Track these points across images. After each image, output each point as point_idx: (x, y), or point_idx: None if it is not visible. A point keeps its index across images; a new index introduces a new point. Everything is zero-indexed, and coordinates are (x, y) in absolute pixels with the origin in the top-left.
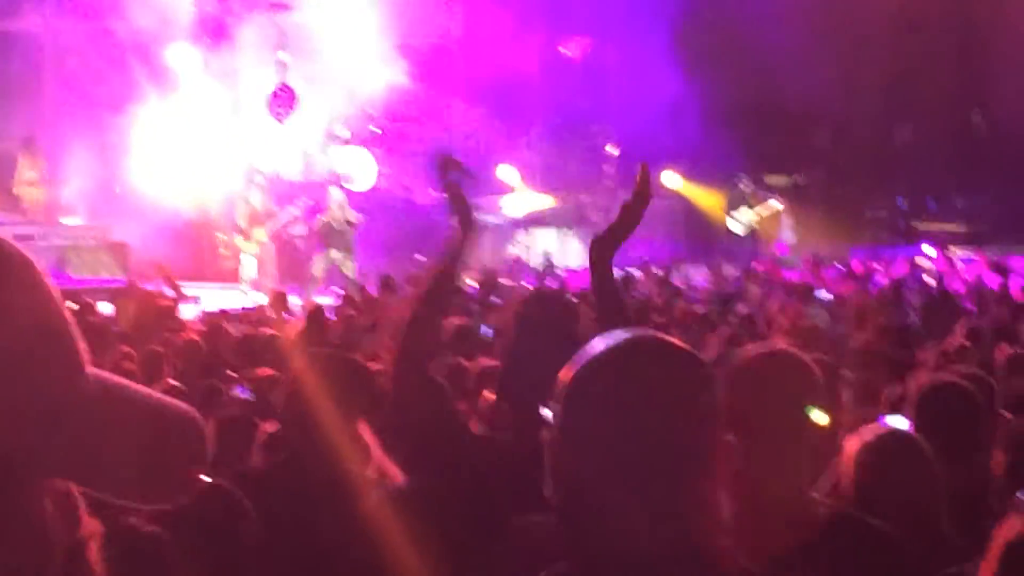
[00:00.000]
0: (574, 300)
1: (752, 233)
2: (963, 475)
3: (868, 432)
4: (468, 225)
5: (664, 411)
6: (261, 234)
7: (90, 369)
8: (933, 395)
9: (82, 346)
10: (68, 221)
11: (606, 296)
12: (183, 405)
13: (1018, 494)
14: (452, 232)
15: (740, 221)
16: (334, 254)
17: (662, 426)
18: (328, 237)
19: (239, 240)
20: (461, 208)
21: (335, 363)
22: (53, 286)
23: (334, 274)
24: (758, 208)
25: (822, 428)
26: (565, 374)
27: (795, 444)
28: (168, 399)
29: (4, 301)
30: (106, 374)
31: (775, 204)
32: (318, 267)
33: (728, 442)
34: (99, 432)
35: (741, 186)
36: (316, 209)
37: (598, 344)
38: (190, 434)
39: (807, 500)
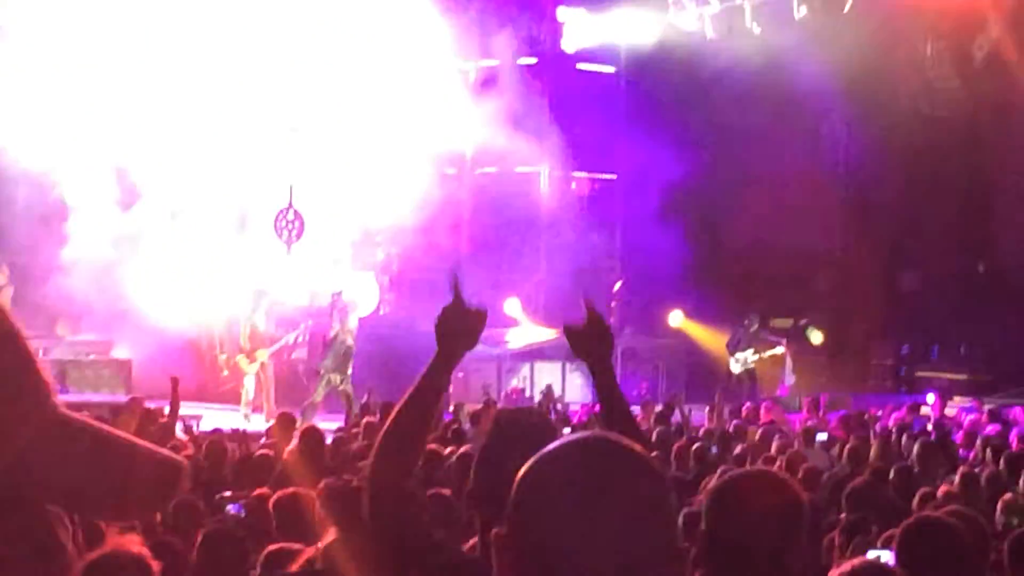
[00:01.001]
0: (550, 417)
1: (751, 374)
2: None
3: (848, 564)
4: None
5: (612, 510)
6: (263, 355)
7: (56, 401)
8: (917, 531)
9: (47, 378)
10: (63, 332)
11: (611, 400)
12: (167, 452)
13: None
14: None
15: (739, 362)
16: (333, 377)
17: (609, 525)
18: (330, 358)
19: (241, 361)
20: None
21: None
22: (17, 324)
23: (333, 397)
24: (761, 350)
25: (805, 554)
26: (520, 472)
27: (777, 569)
28: (150, 445)
29: None
30: (71, 413)
31: (779, 349)
32: (319, 391)
33: (683, 548)
34: (66, 454)
35: (747, 326)
36: (319, 331)
37: (552, 444)
38: (166, 466)
39: None
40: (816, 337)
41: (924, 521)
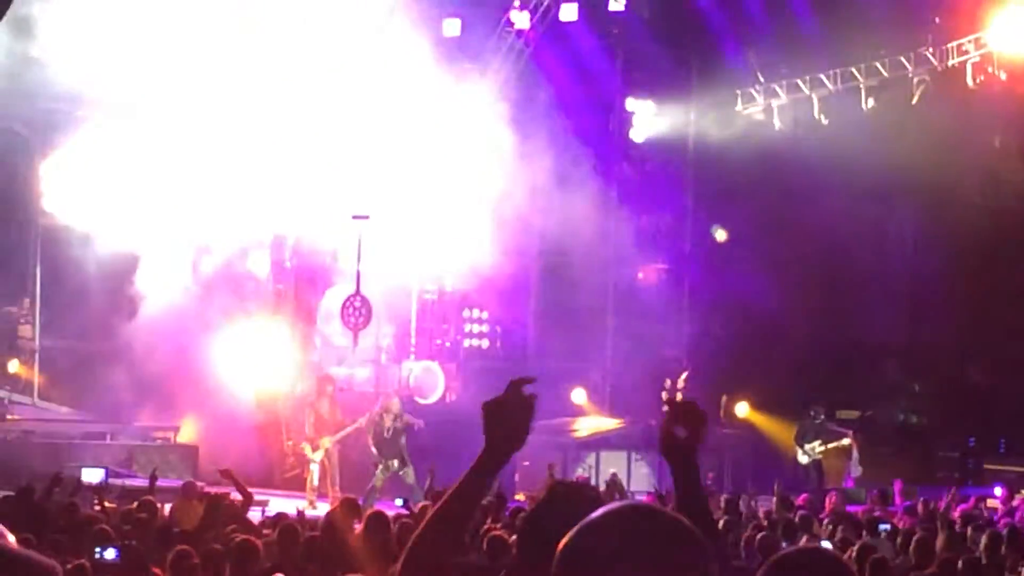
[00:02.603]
0: (599, 490)
1: (817, 465)
2: None
3: None
4: (500, 456)
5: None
6: (327, 443)
7: None
8: None
9: None
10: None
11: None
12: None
13: None
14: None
15: (807, 453)
16: (392, 463)
17: None
18: (380, 446)
19: (306, 448)
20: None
21: None
22: None
23: (397, 483)
24: (828, 441)
25: None
26: (565, 538)
27: None
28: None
29: None
30: None
31: (845, 440)
32: (378, 477)
33: None
34: None
35: (814, 416)
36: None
37: (598, 511)
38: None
39: None
40: (720, 235)
41: None
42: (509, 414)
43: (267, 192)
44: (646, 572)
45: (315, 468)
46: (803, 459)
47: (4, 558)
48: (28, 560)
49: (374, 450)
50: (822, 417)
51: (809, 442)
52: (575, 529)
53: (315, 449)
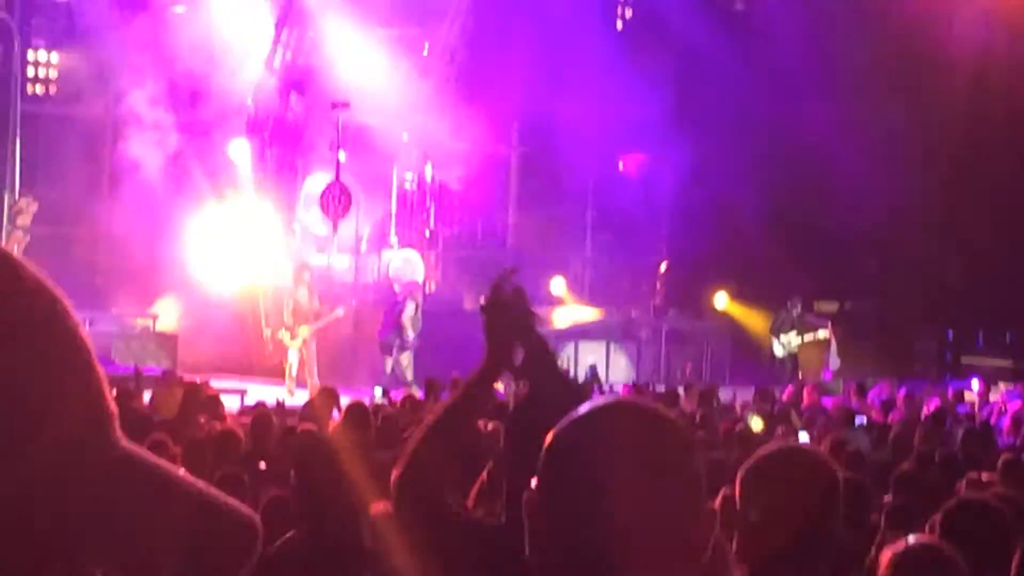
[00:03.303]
0: (582, 384)
1: (793, 357)
2: None
3: (901, 543)
4: (499, 364)
5: (640, 472)
6: (305, 331)
7: (123, 438)
8: (958, 512)
9: (114, 409)
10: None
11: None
12: (238, 504)
13: None
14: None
15: (783, 345)
16: (403, 358)
17: (639, 487)
18: (402, 331)
19: (284, 336)
20: (499, 345)
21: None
22: (83, 331)
23: (395, 375)
24: (804, 333)
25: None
26: (549, 436)
27: (811, 547)
28: (221, 494)
29: (31, 343)
30: (143, 451)
31: (823, 333)
32: (387, 366)
33: (711, 509)
34: (131, 509)
35: (790, 309)
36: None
37: (581, 408)
38: (241, 531)
39: None
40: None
41: (966, 502)
42: (504, 313)
43: (249, 76)
44: (631, 463)
45: (294, 357)
46: (778, 351)
47: (205, 505)
48: (230, 510)
49: (410, 332)
50: (799, 309)
51: (785, 333)
52: (560, 425)
53: (293, 337)
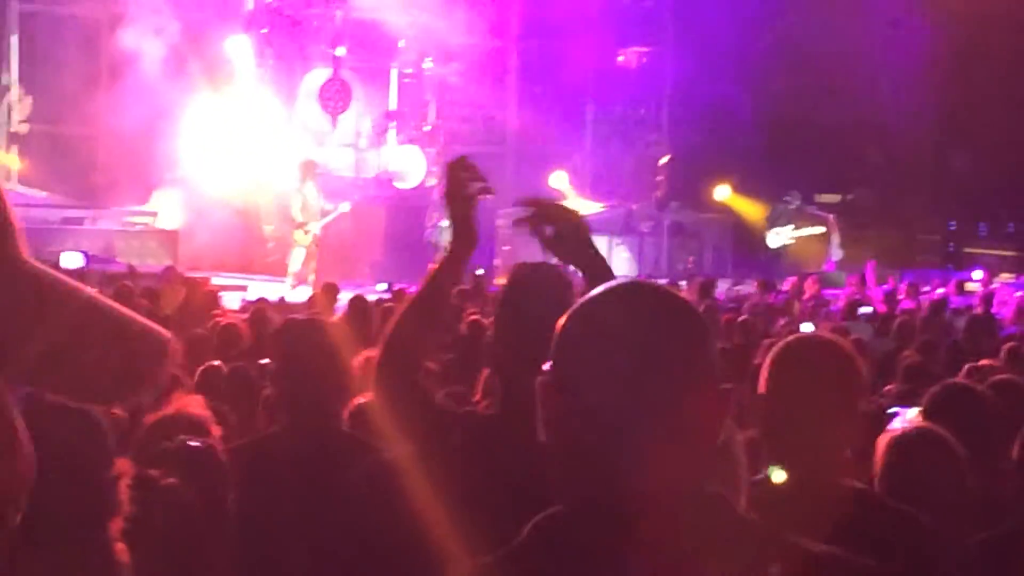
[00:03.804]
0: (568, 270)
1: (788, 249)
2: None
3: (898, 429)
4: (468, 242)
5: (655, 354)
6: (315, 227)
7: (30, 259)
8: (941, 396)
9: (17, 224)
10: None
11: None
12: (148, 321)
13: None
14: (450, 247)
15: (778, 237)
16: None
17: (653, 366)
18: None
19: (297, 234)
20: (464, 223)
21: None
22: None
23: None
24: (801, 226)
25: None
26: (562, 319)
27: (831, 427)
28: (129, 311)
29: None
30: (51, 270)
31: (819, 228)
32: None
33: (727, 391)
34: (40, 323)
35: (788, 202)
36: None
37: (595, 290)
38: (153, 344)
39: (839, 484)
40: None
41: (949, 387)
42: (460, 191)
43: None
44: (646, 343)
45: (299, 253)
46: (773, 242)
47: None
48: (140, 325)
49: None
50: (797, 203)
51: (781, 226)
52: (574, 307)
53: (305, 234)
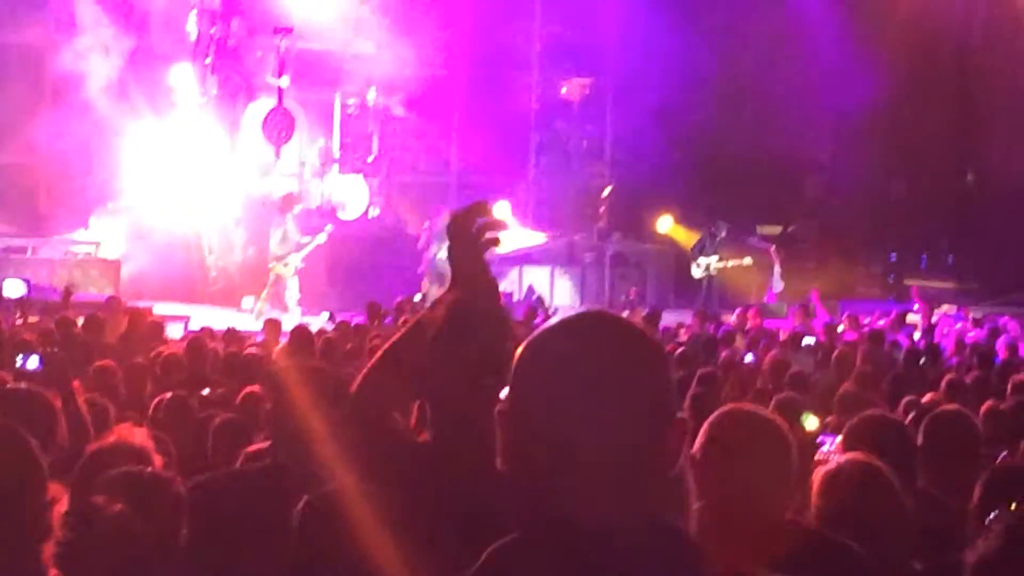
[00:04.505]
0: (503, 305)
1: (710, 280)
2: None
3: (833, 463)
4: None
5: (611, 382)
6: (295, 260)
7: None
8: (861, 427)
9: None
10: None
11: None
12: None
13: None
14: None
15: (700, 267)
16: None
17: (609, 397)
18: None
19: (277, 267)
20: (465, 273)
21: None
22: None
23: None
24: (727, 258)
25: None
26: (520, 348)
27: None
28: None
29: None
30: None
31: (748, 260)
32: None
33: (682, 420)
34: None
35: (715, 233)
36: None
37: (553, 319)
38: None
39: (780, 521)
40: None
41: (870, 417)
42: (469, 241)
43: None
44: (602, 373)
45: (293, 284)
46: (697, 272)
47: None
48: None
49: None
50: (723, 233)
51: (706, 256)
52: (532, 337)
53: (285, 266)
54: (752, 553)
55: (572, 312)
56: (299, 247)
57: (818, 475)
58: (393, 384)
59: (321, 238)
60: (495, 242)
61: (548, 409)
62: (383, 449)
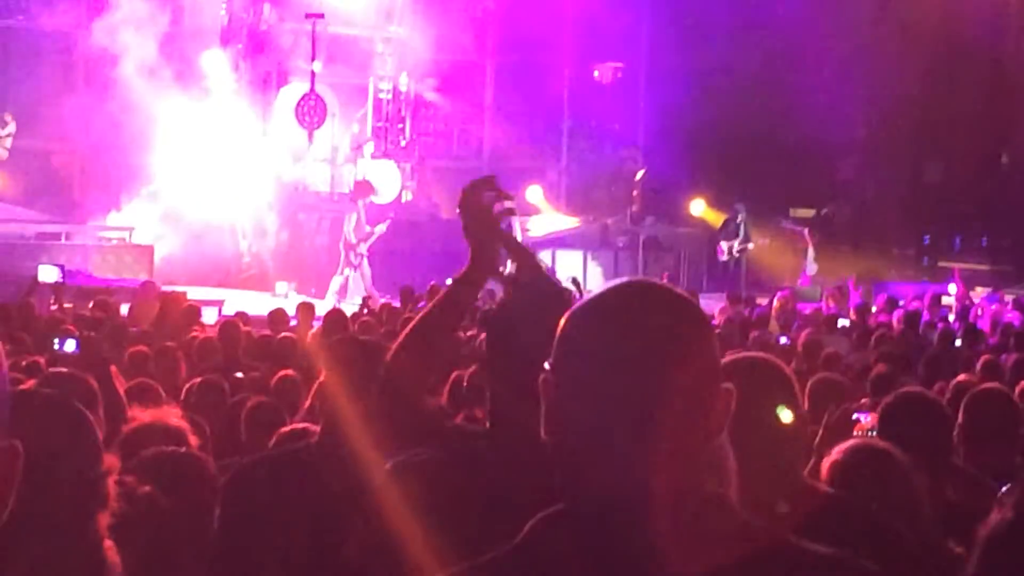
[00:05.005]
0: (566, 289)
1: (737, 262)
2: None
3: (845, 444)
4: (484, 267)
5: (655, 353)
6: (363, 248)
7: None
8: (896, 405)
9: None
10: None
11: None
12: None
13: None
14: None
15: (725, 251)
16: None
17: (653, 368)
18: None
19: (351, 256)
20: (481, 247)
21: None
22: None
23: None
24: (749, 241)
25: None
26: (563, 318)
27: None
28: None
29: None
30: None
31: (751, 245)
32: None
33: (727, 389)
34: None
35: (736, 215)
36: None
37: (598, 288)
38: None
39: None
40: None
41: (904, 395)
42: (482, 215)
43: None
44: (646, 339)
45: (366, 267)
46: (723, 256)
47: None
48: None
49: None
50: (741, 217)
51: (728, 239)
52: (575, 306)
53: (356, 255)
54: (777, 518)
55: (615, 281)
56: (368, 235)
57: (825, 465)
58: (422, 362)
59: (381, 228)
60: (510, 212)
61: (593, 376)
62: (424, 433)
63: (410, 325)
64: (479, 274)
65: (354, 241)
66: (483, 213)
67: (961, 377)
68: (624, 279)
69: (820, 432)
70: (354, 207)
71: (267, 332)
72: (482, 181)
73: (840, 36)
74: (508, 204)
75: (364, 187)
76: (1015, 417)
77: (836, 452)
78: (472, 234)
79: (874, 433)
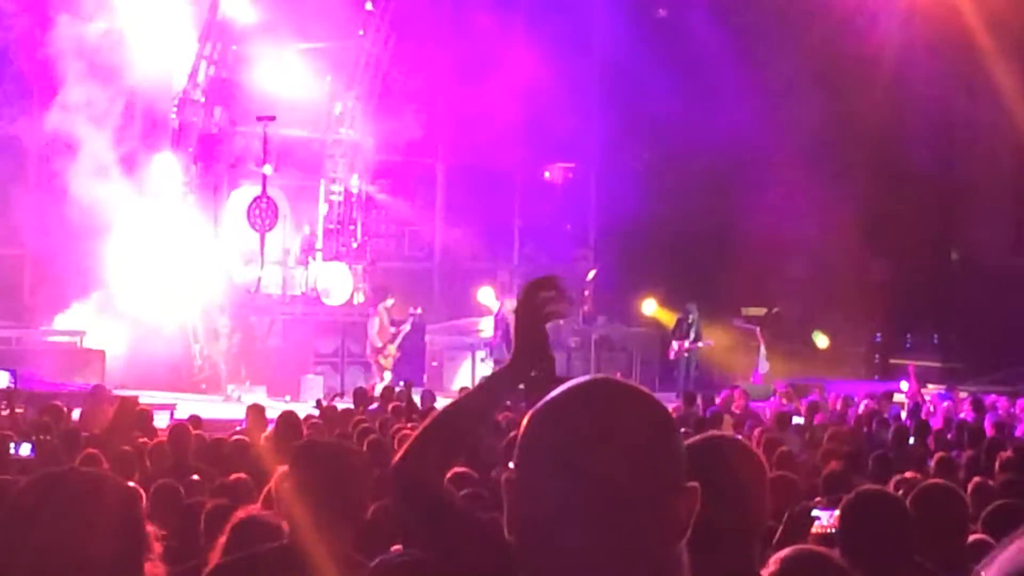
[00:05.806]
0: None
1: (687, 362)
2: None
3: (787, 550)
4: (527, 363)
5: (614, 452)
6: (392, 349)
7: None
8: (857, 504)
9: None
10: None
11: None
12: None
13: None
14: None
15: (674, 349)
16: None
17: (612, 468)
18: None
19: (380, 359)
20: (528, 344)
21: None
22: None
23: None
24: (699, 340)
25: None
26: (524, 419)
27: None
28: None
29: None
30: None
31: (702, 345)
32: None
33: (693, 488)
34: None
35: (687, 314)
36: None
37: (558, 389)
38: None
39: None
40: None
41: (865, 493)
42: (536, 314)
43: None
44: (606, 440)
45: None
46: (675, 355)
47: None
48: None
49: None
50: (695, 315)
51: (680, 339)
52: (537, 406)
53: (385, 357)
54: None
55: (575, 381)
56: (392, 337)
57: (775, 559)
58: (442, 451)
59: (406, 328)
60: (558, 314)
61: (555, 476)
62: (444, 523)
63: (440, 411)
64: (518, 371)
65: (380, 345)
66: (535, 311)
67: (908, 474)
68: (587, 377)
69: (780, 530)
70: (375, 312)
71: (219, 435)
72: (544, 280)
73: (789, 135)
74: (555, 308)
75: (382, 292)
76: (961, 512)
77: (772, 563)
78: (520, 331)
79: (834, 531)
